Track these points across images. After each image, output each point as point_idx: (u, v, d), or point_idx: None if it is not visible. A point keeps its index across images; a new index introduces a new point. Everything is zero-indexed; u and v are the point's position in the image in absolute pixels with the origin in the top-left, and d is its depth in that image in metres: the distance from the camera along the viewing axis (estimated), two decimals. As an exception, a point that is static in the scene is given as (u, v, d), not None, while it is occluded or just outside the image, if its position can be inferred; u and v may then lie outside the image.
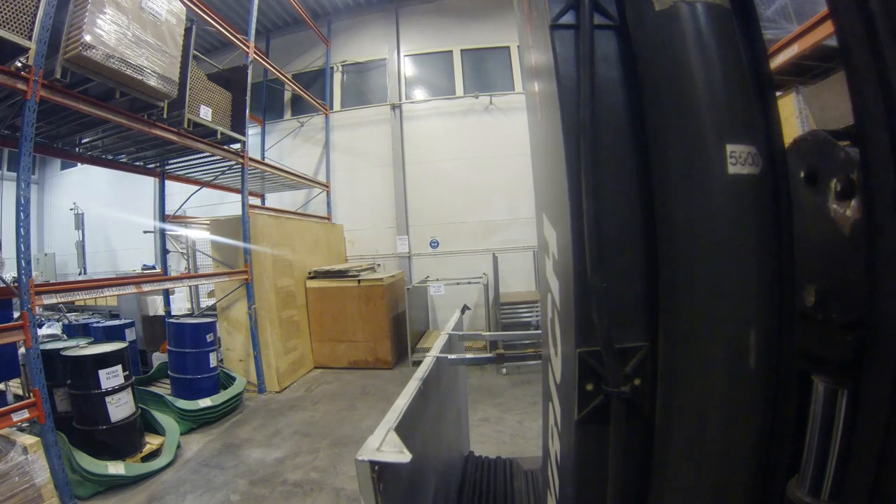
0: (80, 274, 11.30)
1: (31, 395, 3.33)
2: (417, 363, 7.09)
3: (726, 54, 0.78)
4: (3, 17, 3.19)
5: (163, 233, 7.55)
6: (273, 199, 9.77)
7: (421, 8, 9.47)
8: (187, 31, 4.75)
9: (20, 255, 3.38)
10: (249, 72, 6.22)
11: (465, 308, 3.52)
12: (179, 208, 7.33)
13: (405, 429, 1.36)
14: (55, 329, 7.16)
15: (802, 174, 0.75)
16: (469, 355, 2.40)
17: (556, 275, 0.99)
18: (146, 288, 5.07)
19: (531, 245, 8.25)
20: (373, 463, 1.09)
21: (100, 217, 11.50)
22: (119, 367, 4.09)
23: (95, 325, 6.06)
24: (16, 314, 3.59)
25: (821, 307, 0.72)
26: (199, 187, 7.40)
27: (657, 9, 0.80)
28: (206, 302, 8.22)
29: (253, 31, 6.51)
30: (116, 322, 6.30)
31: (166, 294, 7.57)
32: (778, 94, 2.64)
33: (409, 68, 9.55)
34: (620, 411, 0.84)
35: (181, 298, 8.28)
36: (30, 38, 3.35)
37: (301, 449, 4.48)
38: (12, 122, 4.18)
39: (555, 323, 1.03)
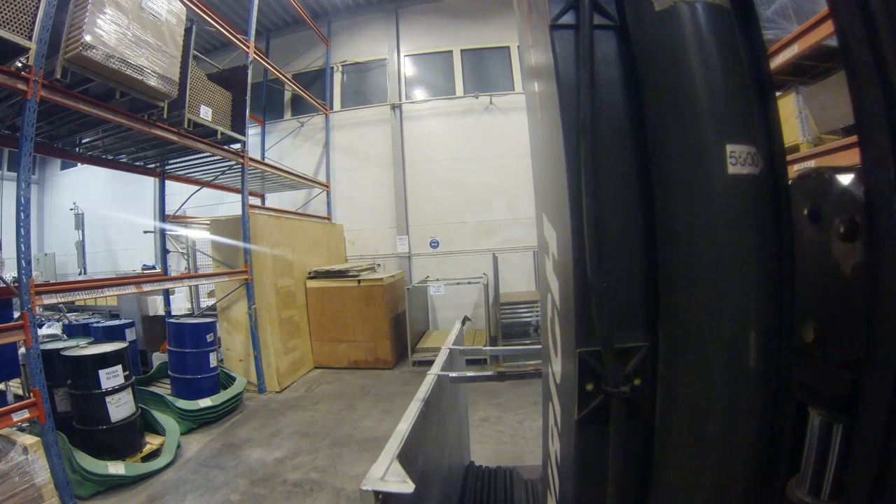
0: (80, 274, 11.31)
1: (32, 394, 3.33)
2: (417, 363, 7.16)
3: (726, 54, 0.78)
4: (3, 17, 3.19)
5: (163, 233, 7.55)
6: (273, 199, 9.77)
7: (421, 8, 9.46)
8: (187, 31, 4.75)
9: (20, 255, 3.38)
10: (249, 72, 6.22)
11: (465, 319, 3.56)
12: (179, 208, 7.33)
13: (408, 453, 1.37)
14: (55, 329, 7.17)
15: (806, 211, 0.75)
16: (470, 373, 2.40)
17: (556, 275, 0.99)
18: (146, 288, 5.07)
19: (531, 245, 8.25)
20: (377, 493, 1.12)
21: (100, 217, 11.51)
22: (119, 367, 4.09)
23: (95, 325, 6.07)
24: (16, 314, 3.59)
25: (819, 344, 0.72)
26: (199, 187, 7.40)
27: (657, 9, 0.80)
28: (206, 302, 8.22)
29: (253, 31, 6.51)
30: (116, 322, 6.30)
31: (166, 294, 7.57)
32: (778, 94, 2.65)
33: (409, 68, 9.55)
34: (620, 411, 0.84)
35: (181, 298, 8.28)
36: (30, 39, 3.35)
37: (301, 449, 4.48)
38: (12, 122, 4.18)
39: (555, 323, 1.03)
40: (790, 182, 0.80)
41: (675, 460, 0.81)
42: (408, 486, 1.14)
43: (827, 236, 0.71)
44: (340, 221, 9.42)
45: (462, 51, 9.28)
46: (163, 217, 7.20)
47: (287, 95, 10.03)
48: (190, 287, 8.00)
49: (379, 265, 9.06)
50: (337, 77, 9.77)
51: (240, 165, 6.26)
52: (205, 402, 5.13)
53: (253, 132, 8.44)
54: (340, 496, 3.60)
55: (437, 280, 8.02)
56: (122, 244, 11.56)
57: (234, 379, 5.84)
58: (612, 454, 0.85)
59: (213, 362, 5.57)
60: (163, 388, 5.57)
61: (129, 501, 3.65)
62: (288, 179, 7.95)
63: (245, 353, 6.35)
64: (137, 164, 6.50)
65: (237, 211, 6.29)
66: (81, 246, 11.50)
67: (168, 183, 7.17)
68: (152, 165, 6.75)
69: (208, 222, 7.01)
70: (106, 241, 11.88)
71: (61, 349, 4.18)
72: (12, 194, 3.52)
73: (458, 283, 7.67)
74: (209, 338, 5.54)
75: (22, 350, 3.97)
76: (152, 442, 4.35)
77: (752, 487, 0.77)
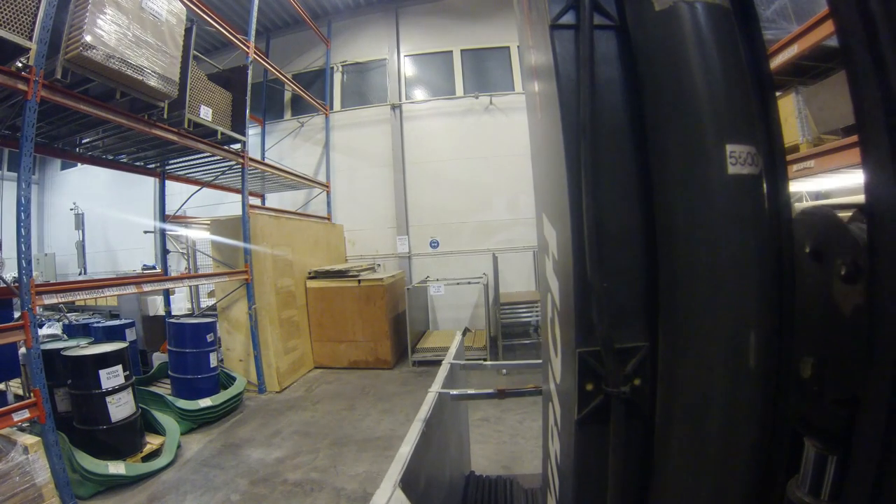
0: (80, 274, 11.31)
1: (32, 394, 3.34)
2: (417, 363, 7.16)
3: (726, 54, 0.78)
4: (3, 17, 3.19)
5: (163, 233, 7.55)
6: (273, 199, 9.77)
7: (421, 8, 9.47)
8: (187, 31, 4.75)
9: (21, 255, 3.38)
10: (249, 72, 6.22)
11: (465, 330, 3.61)
12: (180, 208, 7.33)
13: (410, 474, 1.36)
14: (55, 329, 7.17)
15: (808, 249, 0.75)
16: (471, 391, 2.40)
17: (556, 275, 0.99)
18: (146, 288, 5.07)
19: (531, 245, 8.25)
20: None
21: (100, 217, 11.51)
22: (119, 367, 4.09)
23: (96, 325, 6.06)
24: (16, 314, 3.59)
25: (817, 380, 0.73)
26: (199, 187, 7.40)
27: (657, 9, 0.80)
28: (206, 302, 8.22)
29: (253, 32, 6.51)
30: (117, 322, 6.30)
31: (166, 294, 7.57)
32: (777, 94, 2.64)
33: (409, 68, 9.56)
34: (620, 411, 0.84)
35: (181, 298, 8.28)
36: (30, 39, 3.35)
37: (301, 449, 4.48)
38: (13, 122, 4.18)
39: (555, 323, 1.03)
40: (794, 217, 0.80)
41: (676, 460, 0.81)
42: None
43: (828, 275, 0.71)
44: (340, 221, 9.42)
45: (462, 51, 9.28)
46: (163, 217, 7.20)
47: (287, 95, 10.03)
48: (190, 287, 8.00)
49: (379, 265, 9.06)
50: (337, 77, 9.77)
51: (240, 165, 6.26)
52: (205, 402, 5.13)
53: (253, 132, 8.45)
54: (341, 496, 3.60)
55: (437, 280, 8.02)
56: (122, 244, 11.56)
57: (234, 379, 5.84)
58: (612, 454, 0.85)
59: (213, 362, 5.57)
60: (163, 388, 5.57)
61: (130, 501, 3.65)
62: (288, 179, 7.95)
63: (245, 353, 6.35)
64: (137, 164, 6.50)
65: (237, 211, 6.30)
66: (81, 246, 11.50)
67: (168, 183, 7.18)
68: (152, 165, 6.75)
69: (208, 222, 7.01)
70: (106, 241, 11.88)
71: (62, 349, 4.18)
72: (12, 194, 3.52)
73: (458, 284, 7.67)
74: (209, 338, 5.54)
75: (22, 350, 3.97)
76: (152, 442, 4.35)
77: (752, 487, 0.77)
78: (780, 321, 0.77)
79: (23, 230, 3.39)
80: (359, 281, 7.23)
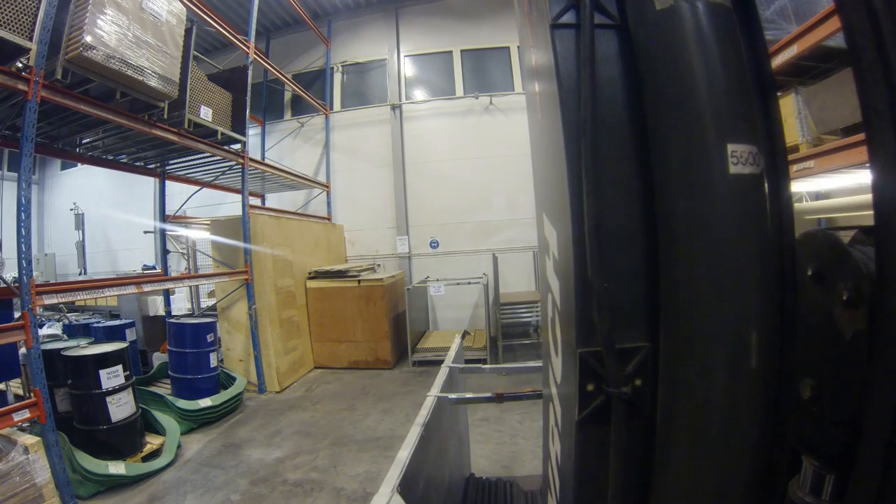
0: (80, 274, 11.30)
1: (32, 394, 3.33)
2: (417, 363, 7.16)
3: (727, 53, 0.78)
4: (4, 17, 3.19)
5: (163, 233, 7.55)
6: (273, 200, 9.77)
7: (421, 8, 9.46)
8: (187, 31, 4.75)
9: (21, 256, 3.38)
10: (249, 72, 6.21)
11: (465, 334, 3.64)
12: (180, 208, 7.33)
13: (409, 478, 1.36)
14: (56, 329, 7.16)
15: (810, 272, 0.75)
16: (469, 395, 2.41)
17: (557, 275, 0.99)
18: (146, 288, 5.07)
19: (531, 245, 8.25)
20: None
21: (100, 217, 11.51)
22: (119, 367, 4.09)
23: (96, 325, 6.06)
24: (17, 314, 3.59)
25: (816, 402, 0.73)
26: (199, 187, 7.40)
27: (658, 8, 0.80)
28: (206, 302, 8.22)
29: (253, 32, 6.51)
30: (117, 322, 6.30)
31: (166, 294, 7.56)
32: (777, 94, 2.64)
33: (409, 68, 9.55)
34: (621, 412, 0.84)
35: (181, 298, 8.27)
36: (31, 39, 3.35)
37: (301, 449, 4.48)
38: (13, 122, 4.18)
39: (555, 323, 1.03)
40: (797, 239, 0.80)
41: (677, 461, 0.81)
42: None
43: (830, 299, 0.71)
44: (340, 222, 9.42)
45: (462, 51, 9.28)
46: (163, 217, 7.20)
47: (287, 96, 10.03)
48: (190, 287, 7.99)
49: (379, 265, 9.05)
50: (337, 77, 9.77)
51: (240, 166, 6.26)
52: (205, 402, 5.13)
53: (253, 132, 8.44)
54: (340, 496, 3.60)
55: (437, 280, 8.02)
56: (123, 244, 11.56)
57: (234, 379, 5.84)
58: (613, 455, 0.85)
59: (213, 362, 5.57)
60: (163, 388, 5.57)
61: (130, 501, 3.65)
62: (288, 180, 7.95)
63: (245, 353, 6.35)
64: (138, 164, 6.49)
65: (237, 211, 6.29)
66: (81, 246, 11.50)
67: (168, 183, 7.17)
68: (152, 166, 6.74)
69: (208, 222, 7.01)
70: (106, 242, 11.88)
71: (62, 349, 4.17)
72: (13, 194, 3.52)
73: (458, 284, 7.67)
74: (209, 338, 5.54)
75: (22, 350, 3.97)
76: (153, 442, 4.35)
77: (753, 488, 0.77)
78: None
79: (23, 230, 3.39)
80: (359, 281, 7.23)
